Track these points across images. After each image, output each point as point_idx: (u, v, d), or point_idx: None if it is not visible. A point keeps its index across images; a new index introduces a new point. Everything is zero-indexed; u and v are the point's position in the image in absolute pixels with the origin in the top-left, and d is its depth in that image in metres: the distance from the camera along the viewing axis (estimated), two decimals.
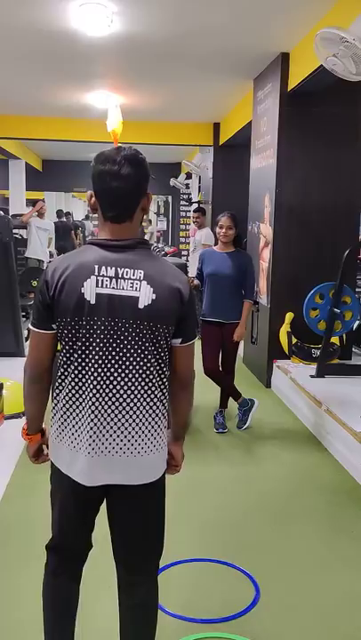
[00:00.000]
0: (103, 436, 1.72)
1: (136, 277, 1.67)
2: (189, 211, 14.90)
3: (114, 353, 1.69)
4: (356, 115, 5.74)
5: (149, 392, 1.74)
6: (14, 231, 8.13)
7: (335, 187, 5.74)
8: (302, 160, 5.70)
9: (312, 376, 5.28)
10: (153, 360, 1.73)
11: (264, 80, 6.15)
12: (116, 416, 1.72)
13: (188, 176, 12.81)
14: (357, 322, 5.95)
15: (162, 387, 1.78)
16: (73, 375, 1.74)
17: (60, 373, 1.79)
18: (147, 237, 22.75)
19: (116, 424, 1.72)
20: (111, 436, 1.73)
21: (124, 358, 1.69)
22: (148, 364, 1.72)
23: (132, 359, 1.70)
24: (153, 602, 1.94)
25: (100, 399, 1.71)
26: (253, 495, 3.67)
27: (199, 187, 11.92)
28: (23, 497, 3.52)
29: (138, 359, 1.70)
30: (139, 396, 1.73)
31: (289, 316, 5.71)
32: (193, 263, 6.43)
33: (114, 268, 1.67)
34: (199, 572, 2.83)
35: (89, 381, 1.71)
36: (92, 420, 1.72)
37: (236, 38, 5.30)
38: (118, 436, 1.73)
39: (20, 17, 4.84)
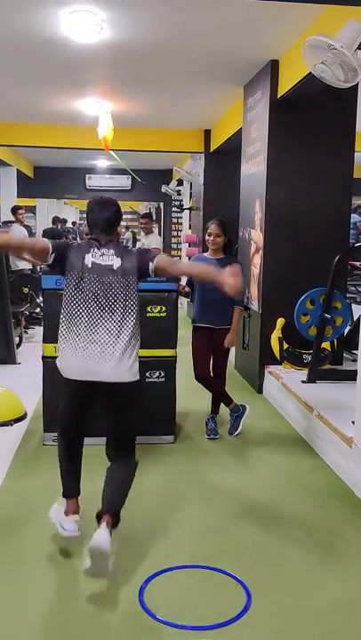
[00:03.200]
0: (91, 347, 2.82)
1: (111, 254, 2.95)
2: (181, 217, 14.95)
3: (99, 292, 2.87)
4: (344, 121, 5.78)
5: (122, 317, 2.87)
6: None
7: (325, 193, 5.77)
8: (292, 166, 5.73)
9: (303, 381, 5.29)
10: (122, 297, 2.88)
11: (254, 87, 6.18)
12: (99, 334, 2.84)
13: (180, 182, 12.84)
14: (348, 327, 5.97)
15: (133, 315, 2.90)
16: (74, 305, 2.87)
17: (66, 308, 2.90)
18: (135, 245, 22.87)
19: (99, 339, 2.83)
20: (96, 347, 2.82)
21: (106, 295, 2.87)
22: (122, 299, 2.88)
23: (109, 295, 2.87)
24: (129, 468, 2.96)
25: (91, 321, 2.85)
26: (245, 500, 3.66)
27: (190, 193, 11.94)
28: (14, 503, 3.51)
29: (115, 295, 2.88)
30: (114, 319, 2.86)
31: (280, 322, 5.72)
32: None
33: (101, 250, 2.96)
34: (190, 579, 2.82)
35: (83, 310, 2.86)
36: (85, 335, 2.84)
37: (226, 46, 5.33)
38: (100, 347, 2.82)
39: (9, 24, 4.85)
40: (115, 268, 2.90)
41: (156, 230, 8.72)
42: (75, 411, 2.99)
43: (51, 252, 2.90)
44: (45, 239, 3.02)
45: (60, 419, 3.06)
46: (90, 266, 2.88)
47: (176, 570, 2.86)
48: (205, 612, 2.56)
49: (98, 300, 2.85)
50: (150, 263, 2.96)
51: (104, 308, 2.85)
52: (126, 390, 2.87)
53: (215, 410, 4.82)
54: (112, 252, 2.94)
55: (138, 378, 2.90)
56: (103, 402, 2.93)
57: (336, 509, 3.56)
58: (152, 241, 8.52)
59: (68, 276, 2.91)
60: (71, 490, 3.02)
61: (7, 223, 10.20)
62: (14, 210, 9.98)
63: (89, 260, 2.89)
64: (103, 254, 2.93)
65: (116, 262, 2.91)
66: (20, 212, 9.83)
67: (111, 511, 2.76)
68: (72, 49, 5.42)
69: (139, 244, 9.26)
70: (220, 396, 4.75)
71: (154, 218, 9.01)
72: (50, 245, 2.91)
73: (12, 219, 10.16)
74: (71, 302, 2.88)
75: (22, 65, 6.12)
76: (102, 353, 2.80)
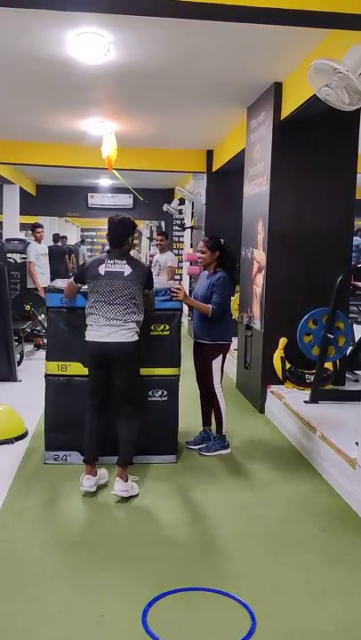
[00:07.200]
0: (104, 326, 3.85)
1: (122, 263, 3.92)
2: (182, 235, 15.00)
3: (111, 293, 3.87)
4: (347, 143, 5.83)
5: (128, 310, 3.88)
6: (7, 255, 8.13)
7: (328, 213, 5.80)
8: (295, 187, 5.76)
9: (306, 401, 5.27)
10: (130, 297, 3.88)
11: (257, 109, 6.24)
12: (111, 318, 3.86)
13: (182, 202, 12.90)
14: (351, 347, 5.96)
15: (136, 310, 3.92)
16: (93, 302, 3.91)
17: (89, 305, 3.95)
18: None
19: (110, 321, 3.86)
20: (109, 326, 3.85)
21: (115, 294, 3.86)
22: (129, 297, 3.88)
23: (119, 295, 3.86)
24: (134, 418, 3.96)
25: (104, 311, 3.87)
26: (247, 522, 3.63)
27: (192, 212, 12.00)
28: (15, 522, 3.47)
29: (122, 295, 3.87)
30: (122, 311, 3.86)
31: (282, 342, 5.72)
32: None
33: (113, 260, 3.94)
34: (194, 602, 2.79)
35: (99, 305, 3.88)
36: (101, 318, 3.87)
37: (230, 68, 5.39)
38: (112, 326, 3.85)
39: (17, 44, 4.91)
40: (125, 274, 3.89)
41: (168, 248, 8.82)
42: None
43: (77, 285, 4.14)
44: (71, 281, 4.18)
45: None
46: (102, 273, 3.90)
47: (179, 592, 2.82)
48: (209, 636, 2.52)
49: (108, 299, 3.88)
50: (148, 286, 4.04)
51: (111, 304, 3.87)
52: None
53: (219, 429, 4.80)
54: (123, 261, 3.93)
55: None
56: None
57: (339, 532, 3.53)
58: (168, 258, 8.57)
59: (88, 284, 3.99)
60: (89, 456, 3.96)
61: (10, 241, 10.18)
62: (33, 228, 9.86)
63: (102, 269, 3.91)
64: (115, 263, 3.92)
65: (126, 269, 3.90)
66: (39, 230, 9.58)
67: (122, 466, 3.88)
68: (78, 70, 5.48)
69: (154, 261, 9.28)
70: (215, 413, 4.79)
71: (168, 236, 9.10)
72: (74, 282, 4.14)
73: (16, 236, 10.15)
74: (91, 303, 3.93)
75: (27, 84, 6.19)
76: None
